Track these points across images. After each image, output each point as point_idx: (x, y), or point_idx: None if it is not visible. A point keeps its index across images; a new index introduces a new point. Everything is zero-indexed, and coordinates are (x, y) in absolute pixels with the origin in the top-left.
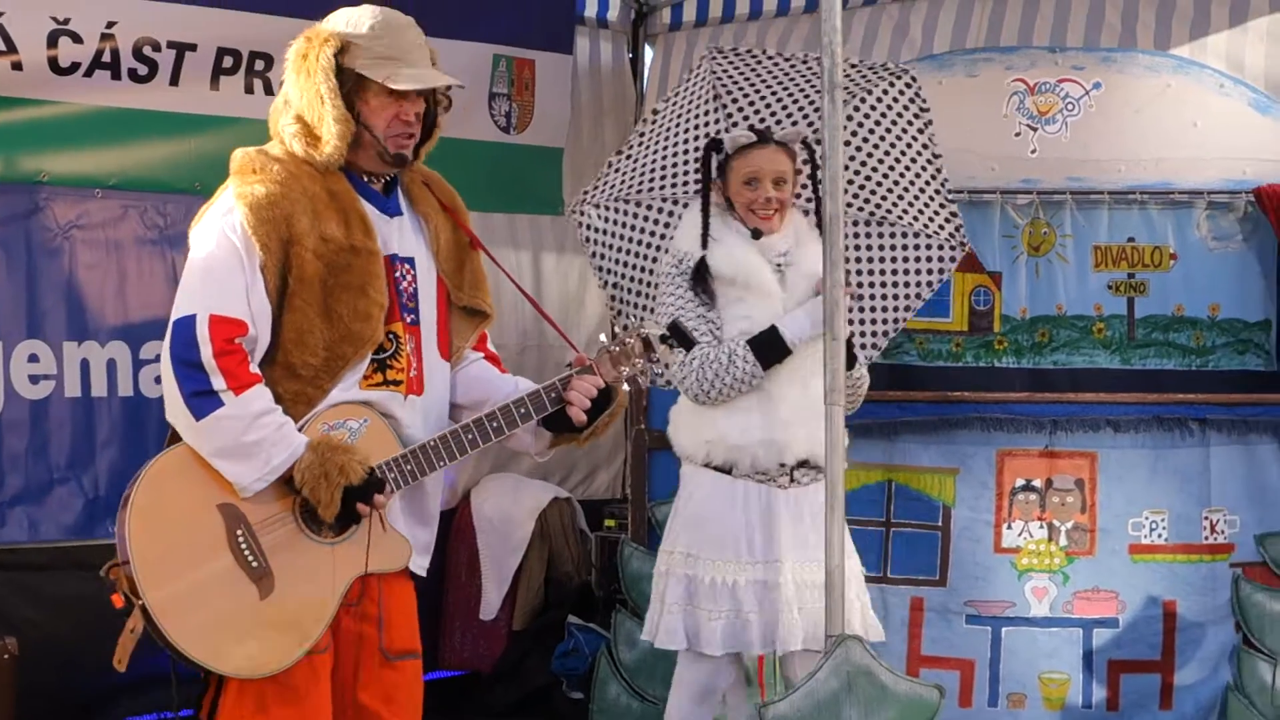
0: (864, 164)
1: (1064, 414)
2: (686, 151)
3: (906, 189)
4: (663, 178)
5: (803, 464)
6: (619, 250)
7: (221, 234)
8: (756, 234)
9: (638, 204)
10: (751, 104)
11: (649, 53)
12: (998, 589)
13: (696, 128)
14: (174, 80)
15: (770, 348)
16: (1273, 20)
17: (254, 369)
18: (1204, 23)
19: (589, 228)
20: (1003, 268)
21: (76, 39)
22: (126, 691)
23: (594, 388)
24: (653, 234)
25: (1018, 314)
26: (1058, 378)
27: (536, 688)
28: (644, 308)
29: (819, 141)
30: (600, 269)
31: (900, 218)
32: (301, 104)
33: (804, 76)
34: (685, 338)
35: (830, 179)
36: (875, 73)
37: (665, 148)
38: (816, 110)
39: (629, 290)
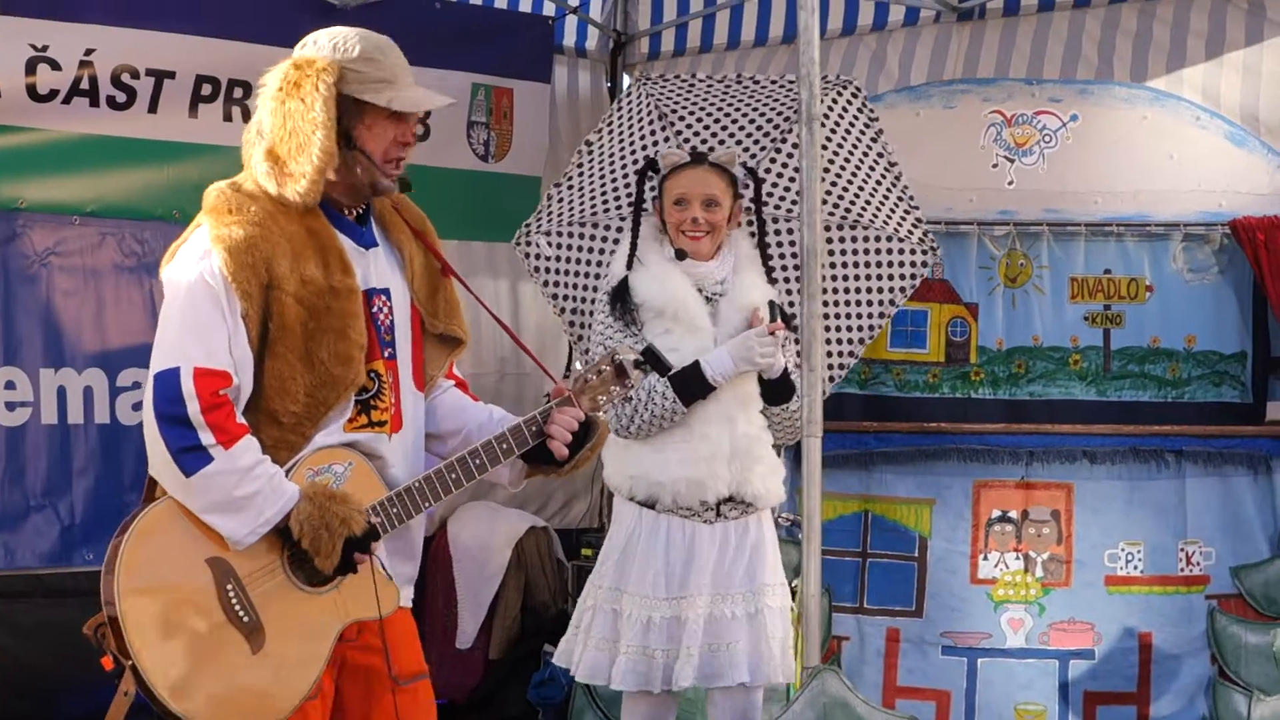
0: (827, 170)
1: (1040, 445)
2: (626, 175)
3: (873, 194)
4: (605, 200)
5: (728, 500)
6: (571, 274)
7: (200, 280)
8: (680, 254)
9: (590, 225)
10: (696, 125)
11: (627, 81)
12: (974, 620)
13: (642, 149)
14: (152, 107)
15: (691, 384)
16: (1248, 53)
17: (240, 419)
18: (1180, 56)
19: (537, 256)
20: (979, 299)
21: (55, 66)
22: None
23: (575, 420)
24: (602, 255)
25: (994, 345)
26: (1034, 409)
27: (512, 717)
28: None
29: (769, 161)
30: (555, 296)
31: (872, 221)
32: (280, 134)
33: (740, 96)
34: (660, 362)
35: (808, 210)
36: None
37: (609, 171)
38: (760, 128)
39: (585, 313)
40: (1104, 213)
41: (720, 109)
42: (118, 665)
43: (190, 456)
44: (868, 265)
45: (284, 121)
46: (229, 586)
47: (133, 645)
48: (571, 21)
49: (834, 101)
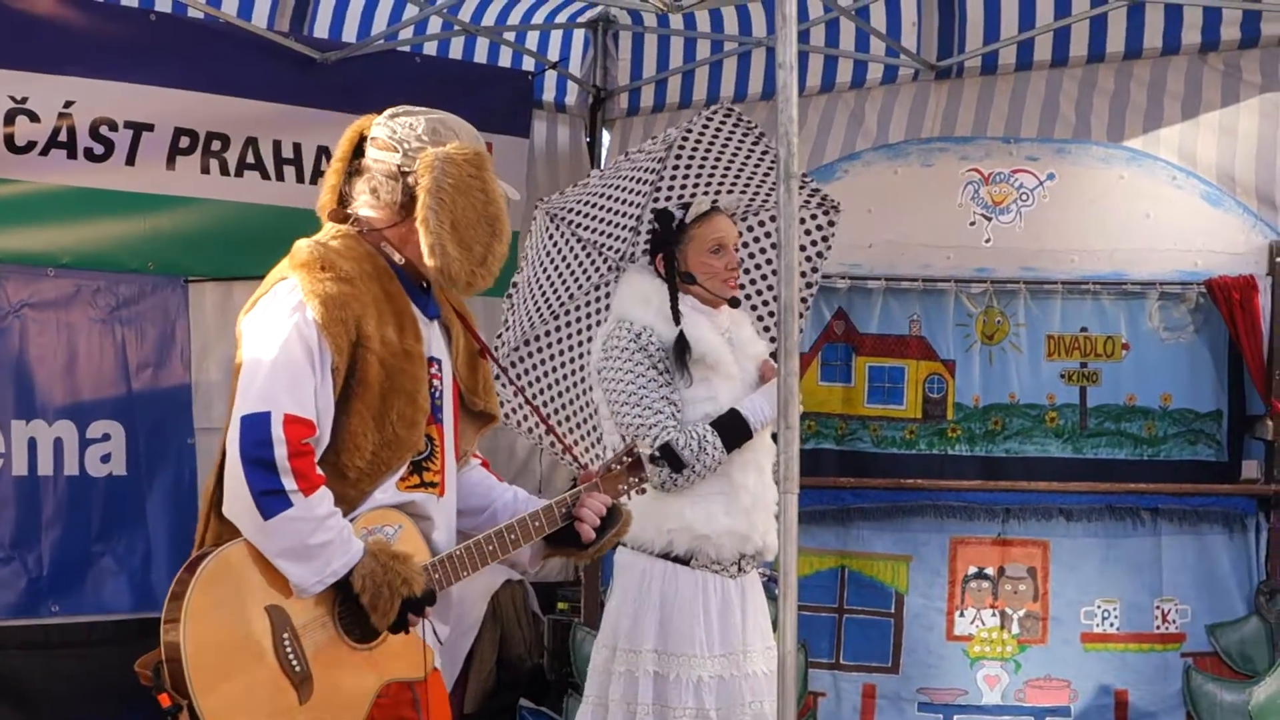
0: (710, 178)
1: (1017, 502)
2: (552, 283)
3: (760, 182)
4: (541, 310)
5: (754, 554)
6: (549, 384)
7: (295, 330)
8: (735, 303)
9: (540, 337)
10: (586, 211)
11: (606, 137)
12: (950, 677)
13: (555, 250)
14: (130, 160)
15: (734, 431)
16: (1224, 114)
17: (319, 470)
18: (1157, 116)
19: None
20: (956, 356)
21: (34, 118)
22: None
23: (603, 506)
24: (565, 352)
25: (971, 402)
26: (1010, 466)
27: None
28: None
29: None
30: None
31: (764, 204)
32: (434, 212)
33: (622, 172)
34: (676, 459)
35: (786, 268)
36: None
37: (536, 288)
38: (647, 189)
39: (572, 416)
40: (1081, 271)
41: (601, 192)
42: (174, 703)
43: (271, 500)
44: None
45: (450, 204)
46: (285, 635)
47: (192, 685)
48: (551, 76)
49: (705, 123)
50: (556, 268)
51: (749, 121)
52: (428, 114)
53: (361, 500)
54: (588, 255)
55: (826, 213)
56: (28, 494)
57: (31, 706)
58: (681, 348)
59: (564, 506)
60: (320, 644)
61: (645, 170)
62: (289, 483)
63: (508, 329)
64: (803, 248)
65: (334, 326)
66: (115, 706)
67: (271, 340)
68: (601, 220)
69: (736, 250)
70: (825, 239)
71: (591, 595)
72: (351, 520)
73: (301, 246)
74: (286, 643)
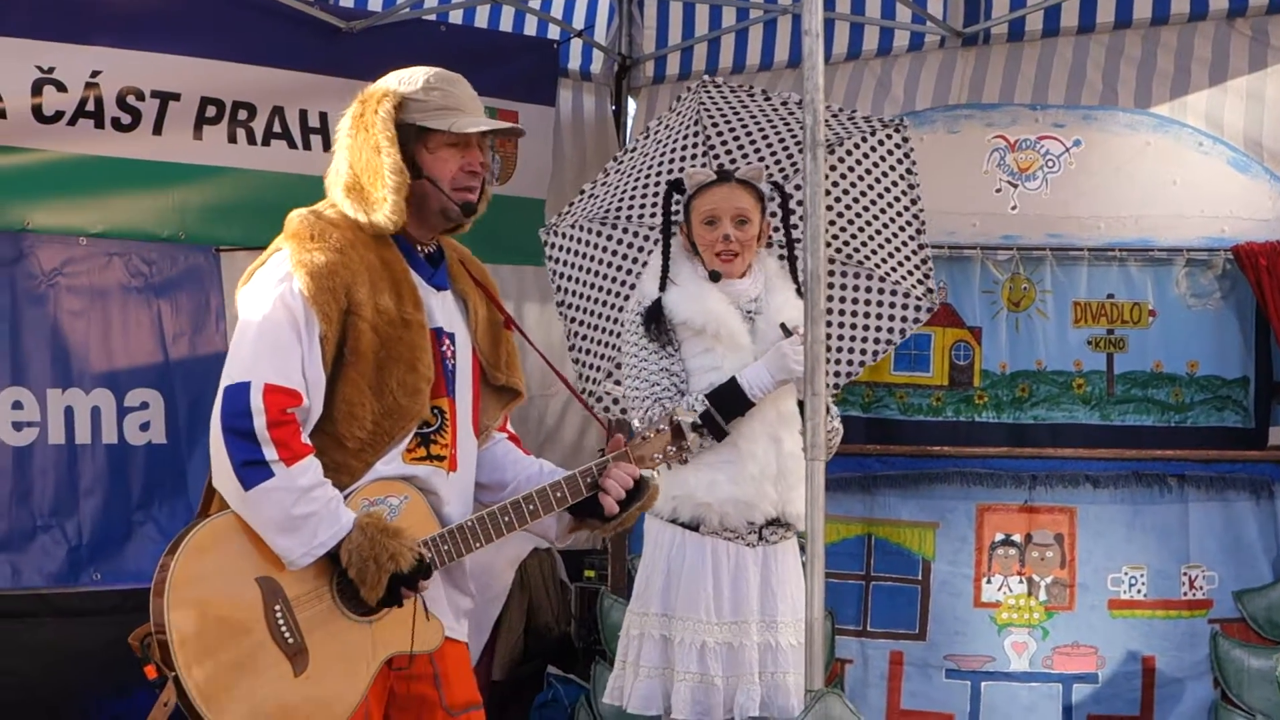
0: (836, 205)
1: (1043, 469)
2: (659, 183)
3: (882, 236)
4: (633, 207)
5: (773, 522)
6: (581, 282)
7: (280, 300)
8: (715, 276)
9: (611, 227)
10: (734, 139)
11: (632, 105)
12: (977, 643)
13: (678, 159)
14: (157, 129)
15: (730, 401)
16: (1252, 80)
17: (305, 440)
18: (1184, 82)
19: (556, 248)
20: (983, 323)
21: (61, 88)
22: None
23: (630, 478)
24: (620, 266)
25: (998, 369)
26: (1037, 433)
27: None
28: (604, 343)
29: (794, 186)
30: (561, 303)
31: (869, 260)
32: (358, 165)
33: (788, 120)
34: (718, 427)
35: (811, 236)
36: (854, 123)
37: (642, 175)
38: (790, 157)
39: (589, 325)
40: (1107, 238)
41: (766, 128)
42: (160, 675)
43: (251, 470)
44: (864, 304)
45: (358, 154)
46: (276, 607)
47: (177, 657)
48: (577, 45)
49: (864, 138)
50: (599, 263)
51: (912, 157)
52: (425, 71)
53: (364, 471)
54: (623, 230)
55: (921, 297)
56: (65, 462)
57: (71, 675)
58: (653, 313)
59: (589, 476)
60: (316, 616)
61: (673, 146)
62: (269, 452)
63: (604, 184)
64: (881, 318)
65: (321, 296)
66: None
67: (257, 311)
68: (630, 195)
69: (747, 220)
70: (906, 320)
71: (619, 563)
72: (352, 492)
73: (293, 217)
74: (279, 614)
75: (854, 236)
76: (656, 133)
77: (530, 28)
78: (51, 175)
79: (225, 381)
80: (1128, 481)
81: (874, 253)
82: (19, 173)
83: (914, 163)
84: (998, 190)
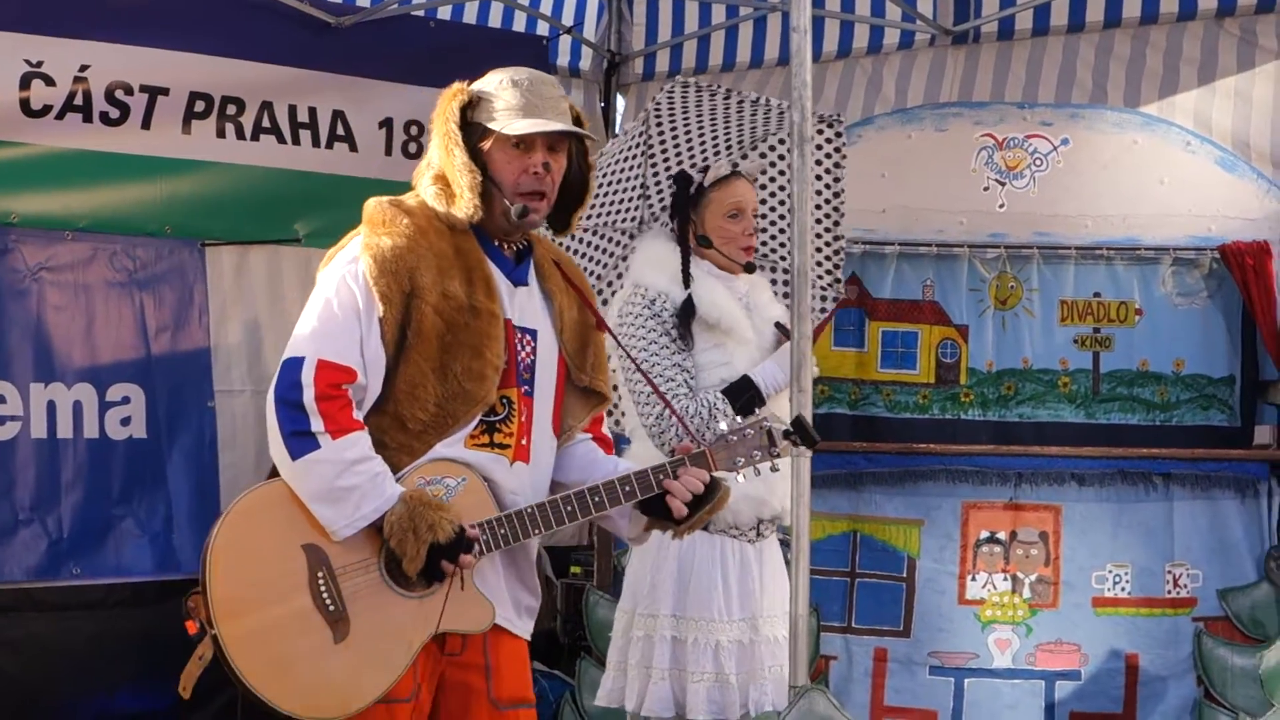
0: (760, 193)
1: (1029, 467)
2: (623, 182)
3: (795, 228)
4: (606, 210)
5: (772, 518)
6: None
7: (343, 281)
8: (750, 268)
9: (582, 230)
10: (673, 137)
11: (621, 102)
12: (961, 640)
13: (626, 164)
14: (145, 123)
15: (746, 399)
16: (1240, 79)
17: (357, 416)
18: (1173, 81)
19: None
20: (970, 321)
21: (49, 81)
22: None
23: (700, 482)
24: (590, 271)
25: (984, 367)
26: (1023, 431)
27: None
28: None
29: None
30: None
31: (778, 251)
32: (440, 161)
33: (740, 117)
34: (808, 435)
35: (799, 232)
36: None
37: (608, 181)
38: (730, 151)
39: None
40: (1094, 236)
41: (701, 124)
42: (200, 631)
43: (298, 440)
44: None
45: (438, 145)
46: (320, 574)
47: (217, 616)
48: (566, 41)
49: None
50: (634, 170)
51: (842, 152)
52: (511, 71)
53: (425, 452)
54: (601, 237)
55: (827, 288)
56: (47, 456)
57: (51, 668)
58: (688, 311)
59: (661, 474)
60: (361, 587)
61: (631, 146)
62: (316, 424)
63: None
64: (819, 178)
65: (382, 279)
66: (135, 669)
67: (323, 291)
68: (605, 200)
69: (755, 216)
70: (838, 150)
71: (605, 560)
72: (410, 470)
73: (370, 204)
74: (321, 581)
75: (773, 223)
76: (618, 140)
77: (519, 24)
78: (38, 169)
79: (284, 356)
80: (1113, 480)
81: (784, 244)
82: (6, 167)
83: (843, 156)
84: (985, 188)
